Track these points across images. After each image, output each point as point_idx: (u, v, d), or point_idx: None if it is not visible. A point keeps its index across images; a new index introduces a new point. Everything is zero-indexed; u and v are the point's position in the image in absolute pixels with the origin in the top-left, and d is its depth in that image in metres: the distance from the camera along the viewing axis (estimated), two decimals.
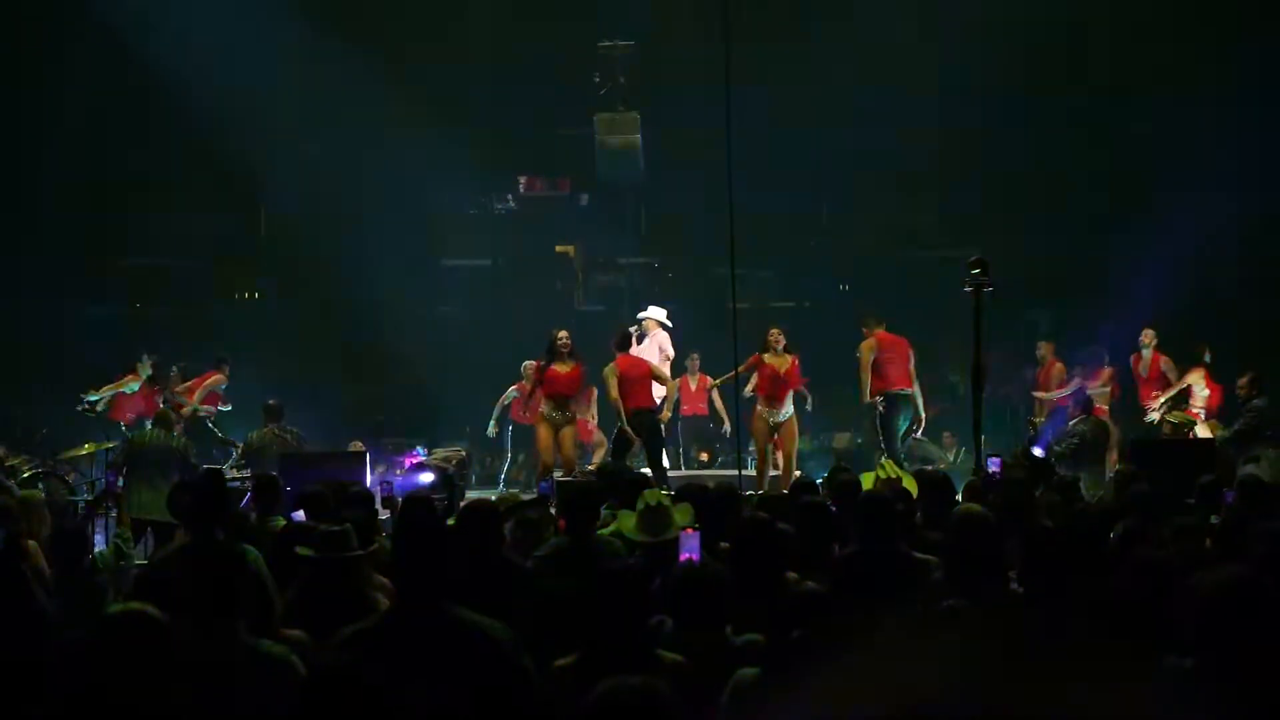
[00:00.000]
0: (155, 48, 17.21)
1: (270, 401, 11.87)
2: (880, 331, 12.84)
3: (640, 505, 5.57)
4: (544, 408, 12.02)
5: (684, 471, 14.10)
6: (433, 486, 10.64)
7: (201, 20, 17.11)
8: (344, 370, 18.57)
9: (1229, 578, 3.56)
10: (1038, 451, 11.26)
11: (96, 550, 6.12)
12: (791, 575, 5.10)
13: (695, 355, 15.67)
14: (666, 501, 5.66)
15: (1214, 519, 6.54)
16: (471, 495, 11.64)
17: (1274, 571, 4.02)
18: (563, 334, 12.01)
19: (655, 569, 4.89)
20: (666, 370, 13.29)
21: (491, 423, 14.90)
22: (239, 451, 11.50)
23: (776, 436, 12.42)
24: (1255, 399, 11.80)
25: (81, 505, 6.75)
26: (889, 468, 8.89)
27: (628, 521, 5.65)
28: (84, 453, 12.38)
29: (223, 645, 3.80)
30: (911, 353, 12.98)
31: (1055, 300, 18.33)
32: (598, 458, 13.72)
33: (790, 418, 12.48)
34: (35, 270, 18.32)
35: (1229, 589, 3.48)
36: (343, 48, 17.79)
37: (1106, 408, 13.72)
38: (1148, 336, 14.24)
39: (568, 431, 12.01)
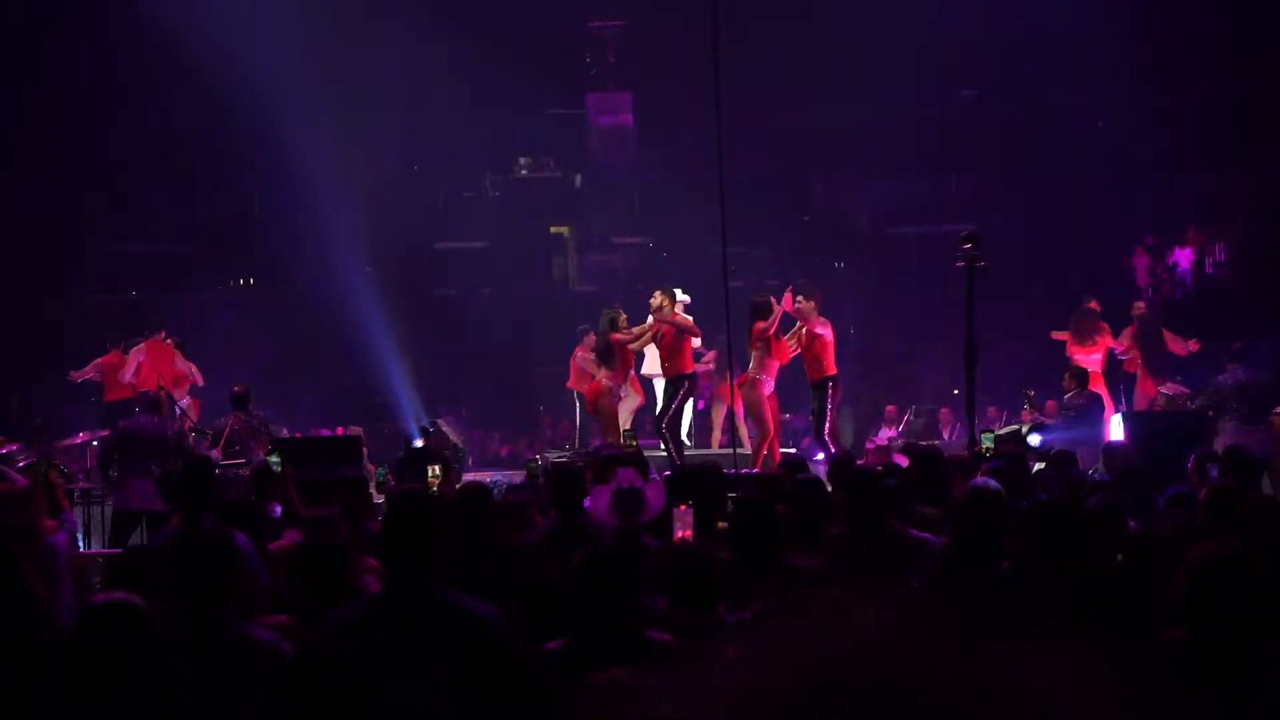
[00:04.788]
0: (152, 29, 17.15)
1: (235, 388, 11.78)
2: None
3: (614, 488, 5.56)
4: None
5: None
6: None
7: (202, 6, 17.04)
8: (340, 354, 18.56)
9: (1218, 550, 3.55)
10: (1035, 439, 11.10)
11: (52, 537, 6.09)
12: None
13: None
14: (640, 483, 5.64)
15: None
16: (468, 478, 11.63)
17: (1262, 544, 4.01)
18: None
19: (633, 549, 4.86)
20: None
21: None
22: (208, 440, 11.42)
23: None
24: (1220, 375, 11.84)
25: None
26: None
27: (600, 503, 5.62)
28: (78, 442, 12.36)
29: (211, 631, 3.80)
30: None
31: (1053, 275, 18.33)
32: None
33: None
34: (28, 258, 18.30)
35: (1218, 561, 3.47)
36: (336, 34, 17.73)
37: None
38: None
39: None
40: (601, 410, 12.43)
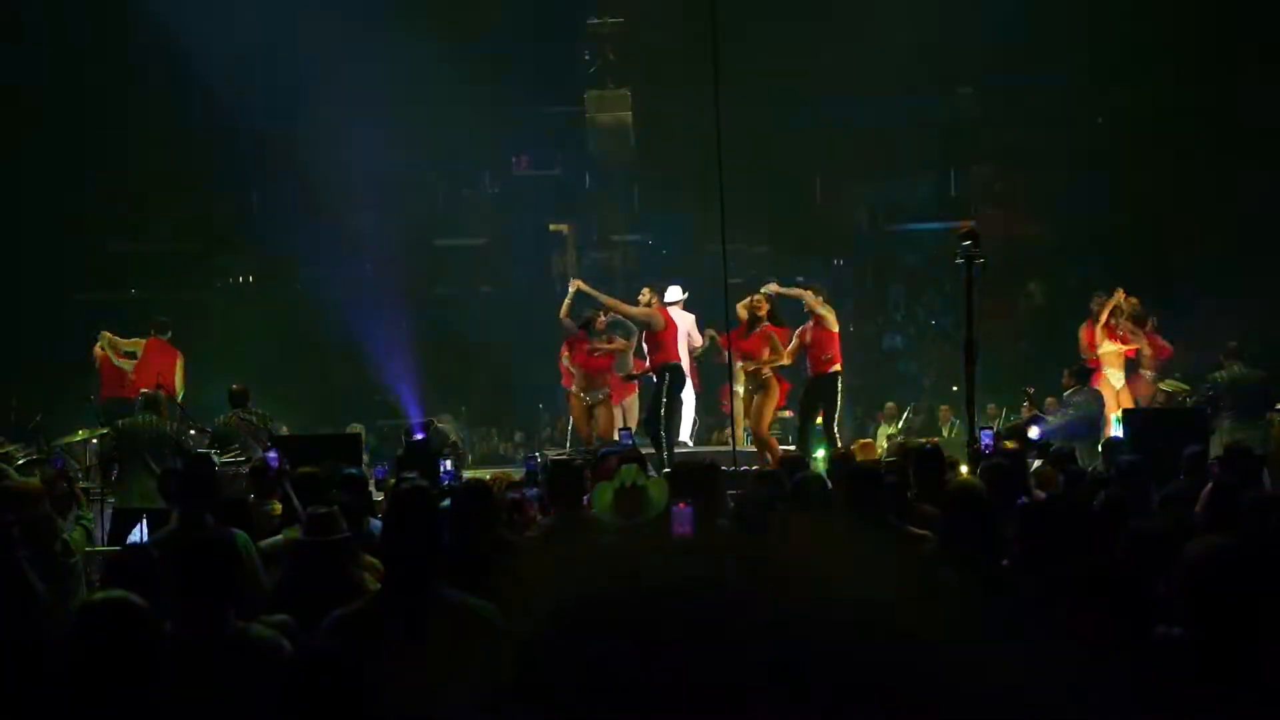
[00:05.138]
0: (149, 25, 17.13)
1: (234, 386, 11.73)
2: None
3: (616, 484, 5.55)
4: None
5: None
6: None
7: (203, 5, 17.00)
8: (340, 352, 18.55)
9: (1217, 546, 3.55)
10: (1034, 432, 11.11)
11: (66, 533, 6.09)
12: None
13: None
14: (643, 481, 5.63)
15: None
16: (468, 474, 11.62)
17: (1261, 540, 4.01)
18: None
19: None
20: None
21: None
22: (208, 438, 11.39)
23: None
24: (1218, 371, 11.82)
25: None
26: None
27: (603, 499, 5.61)
28: (78, 439, 12.33)
29: (211, 631, 3.80)
30: None
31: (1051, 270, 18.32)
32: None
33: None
34: (29, 257, 18.28)
35: (1217, 558, 3.47)
36: (336, 33, 17.69)
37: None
38: None
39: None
40: (571, 412, 12.79)
